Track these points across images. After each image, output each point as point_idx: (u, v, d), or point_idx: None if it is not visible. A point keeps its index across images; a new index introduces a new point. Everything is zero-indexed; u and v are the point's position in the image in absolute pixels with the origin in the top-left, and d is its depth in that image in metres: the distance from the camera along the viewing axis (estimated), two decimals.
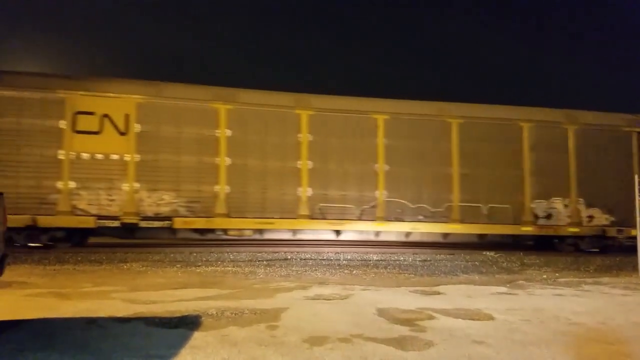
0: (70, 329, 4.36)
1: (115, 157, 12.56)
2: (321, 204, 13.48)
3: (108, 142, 12.56)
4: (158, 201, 12.81)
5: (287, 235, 14.15)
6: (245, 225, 13.24)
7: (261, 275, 8.30)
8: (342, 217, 13.57)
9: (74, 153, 12.35)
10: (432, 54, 54.91)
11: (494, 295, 6.73)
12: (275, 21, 54.13)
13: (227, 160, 13.12)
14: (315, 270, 9.14)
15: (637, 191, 9.32)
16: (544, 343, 4.16)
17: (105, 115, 12.59)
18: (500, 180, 14.41)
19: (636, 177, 9.39)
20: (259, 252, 12.09)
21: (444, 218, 14.11)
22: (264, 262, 10.34)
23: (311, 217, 13.39)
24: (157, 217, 12.77)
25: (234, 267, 9.38)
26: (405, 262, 10.83)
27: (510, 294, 6.93)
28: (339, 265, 10.01)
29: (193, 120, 13.08)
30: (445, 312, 5.39)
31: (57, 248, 12.00)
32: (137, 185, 12.63)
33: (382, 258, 11.48)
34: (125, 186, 12.54)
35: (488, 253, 13.05)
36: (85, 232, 12.95)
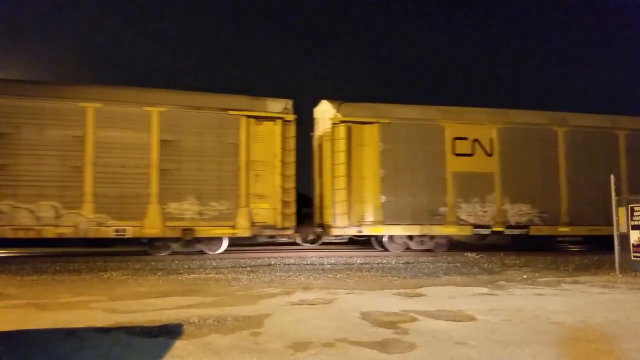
0: (49, 341, 4.27)
1: (484, 173, 15.29)
2: None
3: (478, 162, 15.41)
4: (518, 212, 15.51)
5: None
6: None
7: (244, 282, 8.25)
8: None
9: (454, 172, 15.19)
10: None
11: (476, 296, 6.79)
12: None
13: None
14: (299, 275, 9.12)
15: (613, 191, 9.51)
16: (525, 343, 4.21)
17: (476, 140, 15.49)
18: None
19: (612, 177, 9.56)
20: (242, 259, 12.02)
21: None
22: (247, 268, 10.28)
23: None
24: (517, 226, 15.47)
25: (216, 274, 9.31)
26: (389, 265, 10.88)
27: (491, 294, 7.00)
28: (322, 269, 10.01)
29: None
30: (428, 314, 5.42)
31: (36, 258, 11.80)
32: (502, 198, 15.45)
33: (366, 261, 11.52)
34: (493, 199, 15.42)
35: (469, 254, 13.19)
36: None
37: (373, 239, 15.64)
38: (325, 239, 16.06)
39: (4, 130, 12.03)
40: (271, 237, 14.51)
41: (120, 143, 12.81)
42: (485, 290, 7.40)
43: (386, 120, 14.74)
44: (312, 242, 16.02)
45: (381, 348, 4.03)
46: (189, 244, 13.52)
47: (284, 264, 10.97)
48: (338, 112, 14.62)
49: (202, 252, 13.56)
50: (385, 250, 14.79)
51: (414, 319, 5.18)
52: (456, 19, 58.67)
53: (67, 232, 12.21)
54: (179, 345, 4.14)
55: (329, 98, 15.11)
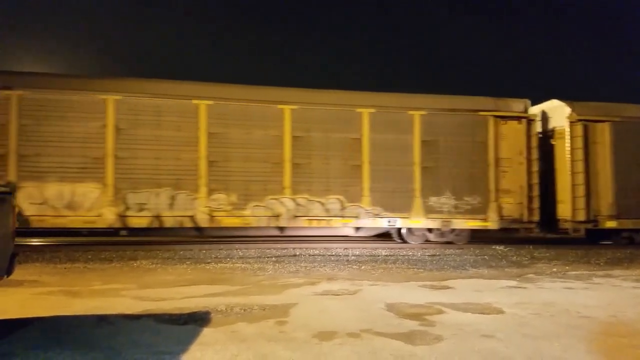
0: (81, 327, 4.40)
1: None
2: None
3: None
4: None
5: None
6: None
7: (270, 272, 8.32)
8: None
9: None
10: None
11: (504, 289, 6.69)
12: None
13: None
14: (324, 266, 9.15)
15: None
16: (555, 337, 4.14)
17: None
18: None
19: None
20: (268, 249, 12.12)
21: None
22: (273, 258, 10.36)
23: None
24: None
25: (242, 263, 9.41)
26: (414, 257, 10.81)
27: (519, 287, 6.89)
28: (347, 261, 10.01)
29: None
30: (455, 307, 5.37)
31: (69, 246, 12.14)
32: None
33: (391, 253, 11.47)
34: None
35: (497, 247, 13.00)
36: None
37: (394, 232, 15.55)
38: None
39: (299, 134, 13.60)
40: (514, 230, 15.29)
41: (389, 144, 14.13)
42: (513, 283, 7.29)
43: (617, 119, 15.28)
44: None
45: (407, 339, 4.01)
46: (443, 235, 14.58)
47: (309, 255, 11.00)
48: (574, 111, 15.20)
49: (450, 243, 14.54)
50: (405, 242, 14.74)
51: (440, 312, 5.14)
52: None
53: (349, 222, 13.90)
54: (206, 332, 4.20)
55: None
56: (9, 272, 4.29)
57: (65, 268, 8.64)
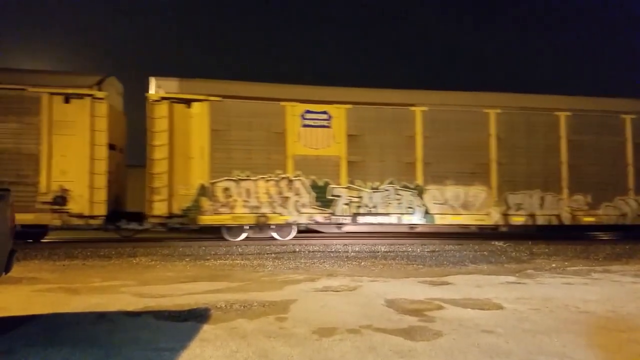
0: (80, 324, 4.39)
1: None
2: None
3: None
4: None
5: None
6: None
7: (270, 268, 8.32)
8: None
9: None
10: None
11: (503, 285, 6.70)
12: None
13: None
14: (324, 262, 9.15)
15: None
16: (554, 332, 4.14)
17: None
18: None
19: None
20: (267, 245, 12.12)
21: None
22: (272, 254, 10.36)
23: None
24: None
25: (242, 260, 9.41)
26: (414, 253, 10.81)
27: (519, 283, 6.90)
28: (347, 257, 10.01)
29: None
30: (454, 302, 5.38)
31: (68, 243, 12.13)
32: None
33: (391, 249, 11.47)
34: None
35: (497, 243, 13.01)
36: None
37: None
38: None
39: (574, 138, 14.98)
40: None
41: None
42: (513, 278, 7.30)
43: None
44: None
45: (407, 335, 4.01)
46: None
47: (309, 251, 11.00)
48: None
49: None
50: None
51: (440, 307, 5.14)
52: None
53: None
54: (206, 329, 4.20)
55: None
56: (7, 269, 4.29)
57: (64, 265, 8.64)
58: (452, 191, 14.32)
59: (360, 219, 14.00)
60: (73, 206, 12.23)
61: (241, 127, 13.36)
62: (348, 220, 13.96)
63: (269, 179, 13.45)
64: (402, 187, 14.18)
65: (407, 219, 14.21)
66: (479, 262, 9.42)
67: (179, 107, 13.05)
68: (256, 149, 13.42)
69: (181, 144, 12.97)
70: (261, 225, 13.58)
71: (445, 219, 14.30)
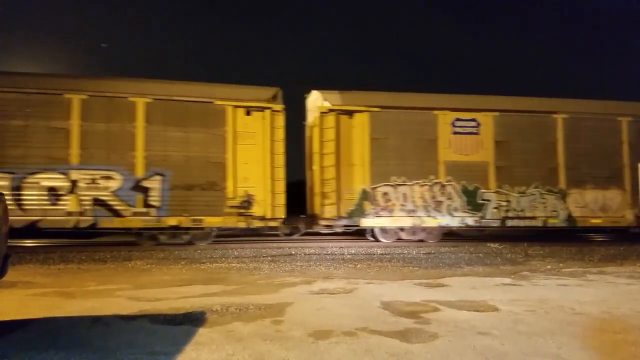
0: (75, 328, 4.37)
1: None
2: None
3: None
4: None
5: None
6: None
7: (266, 271, 8.31)
8: None
9: None
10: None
11: (498, 287, 6.72)
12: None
13: None
14: (320, 265, 9.15)
15: None
16: (549, 333, 4.15)
17: None
18: None
19: None
20: (263, 248, 12.11)
21: None
22: (268, 257, 10.35)
23: None
24: None
25: (238, 263, 9.40)
26: (409, 255, 10.83)
27: (514, 285, 6.92)
28: (343, 259, 10.01)
29: None
30: (450, 304, 5.39)
31: (63, 247, 12.08)
32: None
33: (386, 252, 11.48)
34: None
35: (492, 245, 13.05)
36: None
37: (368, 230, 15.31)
38: None
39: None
40: None
41: None
42: (508, 280, 7.32)
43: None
44: None
45: (402, 337, 4.02)
46: None
47: (305, 254, 11.00)
48: None
49: None
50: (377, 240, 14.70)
51: (435, 309, 5.15)
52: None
53: None
54: (202, 332, 4.19)
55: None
56: (2, 273, 4.27)
57: (59, 269, 8.60)
58: (591, 194, 15.00)
59: (509, 223, 14.57)
60: (257, 209, 13.24)
61: (397, 135, 14.21)
62: (497, 223, 14.52)
63: (423, 184, 14.14)
64: (547, 191, 14.79)
65: (552, 222, 14.74)
66: (475, 264, 9.44)
67: (344, 118, 14.13)
68: (410, 156, 14.16)
69: (345, 152, 14.02)
70: (415, 228, 14.25)
71: (586, 222, 14.95)
